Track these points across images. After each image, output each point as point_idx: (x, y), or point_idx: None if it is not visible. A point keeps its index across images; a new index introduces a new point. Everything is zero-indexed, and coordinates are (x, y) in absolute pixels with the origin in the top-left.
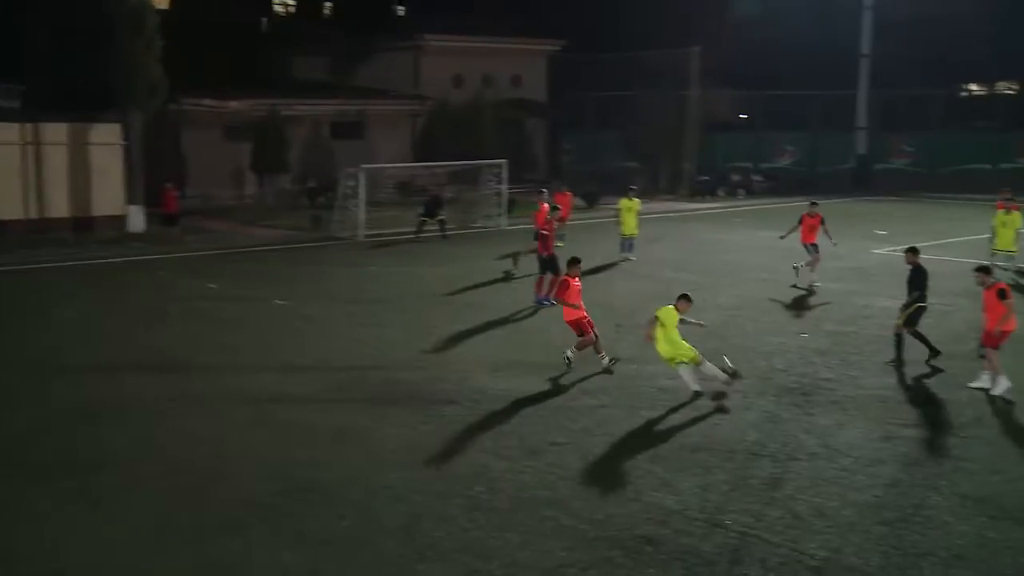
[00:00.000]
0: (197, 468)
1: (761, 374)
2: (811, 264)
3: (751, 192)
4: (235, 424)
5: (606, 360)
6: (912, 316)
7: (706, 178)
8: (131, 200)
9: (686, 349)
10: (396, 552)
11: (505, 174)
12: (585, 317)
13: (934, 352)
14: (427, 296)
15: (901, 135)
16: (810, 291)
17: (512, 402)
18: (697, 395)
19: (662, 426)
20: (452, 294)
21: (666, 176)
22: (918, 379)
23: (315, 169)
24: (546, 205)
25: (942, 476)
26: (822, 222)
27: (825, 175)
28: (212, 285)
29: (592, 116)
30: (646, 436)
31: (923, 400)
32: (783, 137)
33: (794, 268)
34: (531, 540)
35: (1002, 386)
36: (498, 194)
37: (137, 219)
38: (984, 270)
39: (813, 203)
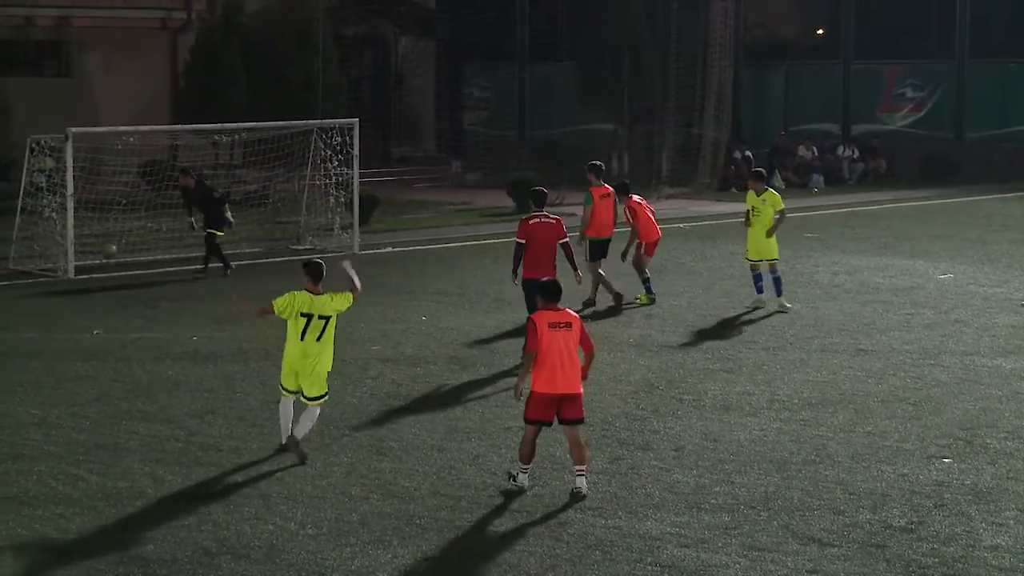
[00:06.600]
0: None
1: (863, 537)
2: None
3: (837, 179)
4: None
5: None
6: None
7: (747, 154)
8: None
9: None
10: None
11: (356, 147)
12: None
13: None
14: (183, 390)
15: None
16: None
17: None
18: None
19: None
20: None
21: (671, 152)
22: None
23: None
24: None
25: None
26: None
27: (981, 145)
28: None
29: (527, 36)
30: None
31: None
32: (900, 71)
33: None
34: None
35: None
36: (343, 187)
37: None
38: None
39: None
